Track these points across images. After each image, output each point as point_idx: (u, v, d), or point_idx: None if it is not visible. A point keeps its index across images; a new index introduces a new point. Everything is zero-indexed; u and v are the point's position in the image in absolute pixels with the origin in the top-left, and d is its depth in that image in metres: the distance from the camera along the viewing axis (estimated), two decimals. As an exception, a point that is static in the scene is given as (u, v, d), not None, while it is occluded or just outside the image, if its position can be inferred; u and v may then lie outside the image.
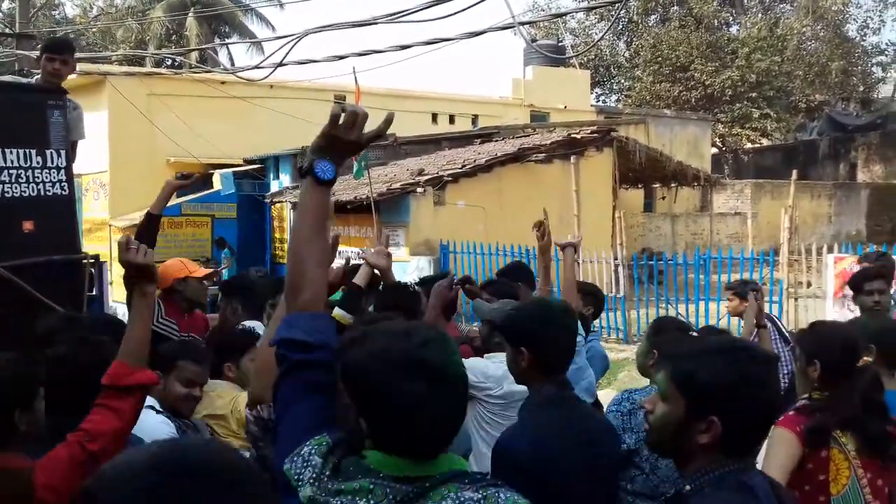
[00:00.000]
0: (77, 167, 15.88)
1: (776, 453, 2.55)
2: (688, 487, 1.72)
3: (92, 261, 4.35)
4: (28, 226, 3.98)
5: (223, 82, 16.80)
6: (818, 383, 2.81)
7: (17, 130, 3.98)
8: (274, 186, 16.74)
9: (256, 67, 9.42)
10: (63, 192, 4.16)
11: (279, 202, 16.11)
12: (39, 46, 4.92)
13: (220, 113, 17.07)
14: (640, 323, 11.09)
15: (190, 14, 26.55)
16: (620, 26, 32.91)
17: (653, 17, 33.34)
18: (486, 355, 3.39)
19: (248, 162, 17.13)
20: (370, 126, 1.86)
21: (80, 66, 16.40)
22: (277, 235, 16.58)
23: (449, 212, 13.06)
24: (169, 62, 28.07)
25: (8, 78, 5.83)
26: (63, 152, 4.16)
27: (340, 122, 1.76)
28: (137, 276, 2.31)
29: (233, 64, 28.17)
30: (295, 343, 1.68)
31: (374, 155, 14.95)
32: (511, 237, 11.58)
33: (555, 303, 2.98)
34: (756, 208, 22.83)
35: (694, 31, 29.39)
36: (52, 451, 2.09)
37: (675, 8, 31.89)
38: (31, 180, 3.99)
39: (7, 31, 11.39)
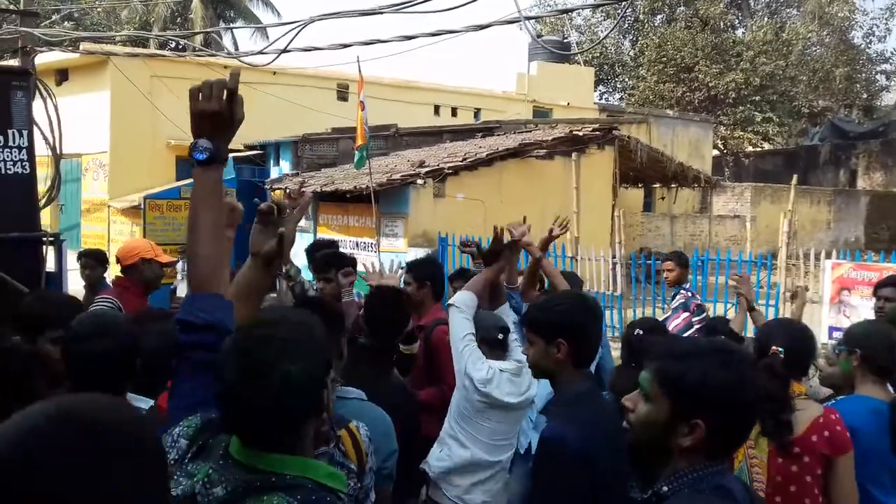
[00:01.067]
0: (77, 146, 15.56)
1: None
2: (665, 489, 1.68)
3: (51, 239, 4.38)
4: None
5: (226, 67, 16.66)
6: None
7: None
8: (274, 173, 16.70)
9: (260, 53, 9.35)
10: (24, 171, 4.20)
11: (278, 188, 16.07)
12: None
13: (222, 97, 17.02)
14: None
15: (195, -3, 26.46)
16: (626, 25, 32.87)
17: (659, 16, 33.29)
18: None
19: (248, 148, 17.08)
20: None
21: (83, 46, 16.36)
22: (276, 222, 16.56)
23: (448, 204, 13.04)
24: (173, 45, 27.92)
25: None
26: (25, 133, 4.20)
27: (200, 96, 1.77)
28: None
29: (237, 49, 28.07)
30: (185, 324, 1.74)
31: (375, 145, 14.91)
32: (510, 232, 11.58)
33: (587, 294, 3.02)
34: (755, 212, 22.84)
35: (700, 33, 29.35)
36: None
37: (682, 8, 31.84)
38: None
39: (11, 7, 11.29)
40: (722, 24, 31.21)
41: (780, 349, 2.85)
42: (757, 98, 28.85)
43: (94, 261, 5.93)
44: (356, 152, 10.89)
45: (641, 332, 3.52)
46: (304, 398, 1.51)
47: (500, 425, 3.35)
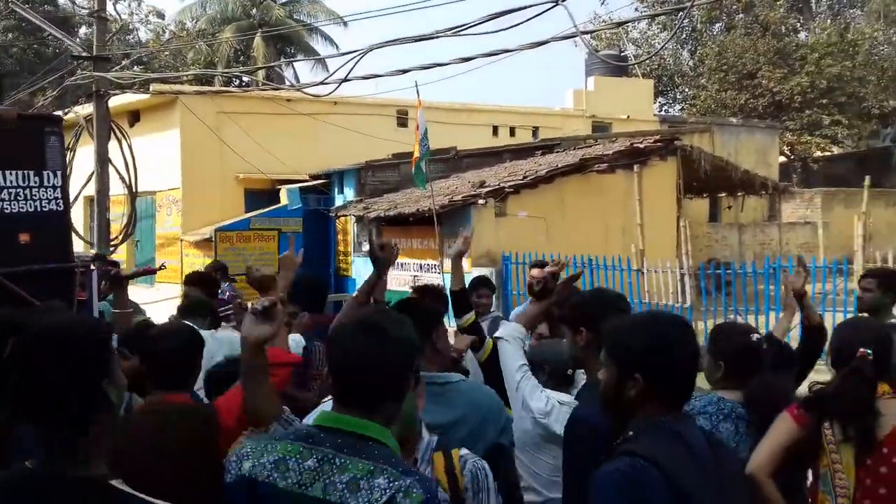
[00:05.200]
0: (151, 184, 16.24)
1: None
2: (630, 433, 2.04)
3: (82, 269, 4.75)
4: (24, 237, 4.42)
5: (289, 100, 17.21)
6: None
7: (17, 154, 4.45)
8: (338, 201, 17.03)
9: (321, 83, 9.62)
10: (58, 208, 4.61)
11: (343, 216, 16.39)
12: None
13: (286, 130, 17.48)
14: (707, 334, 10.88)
15: (257, 35, 27.32)
16: (684, 35, 32.47)
17: (717, 25, 32.78)
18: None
19: (313, 177, 17.48)
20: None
21: (153, 87, 17.05)
22: (341, 248, 16.84)
23: (510, 223, 13.08)
24: (237, 82, 28.89)
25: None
26: (59, 173, 4.61)
27: None
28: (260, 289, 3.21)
29: (298, 81, 28.82)
30: None
31: (435, 168, 15.09)
32: (573, 247, 11.53)
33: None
34: (827, 217, 22.16)
35: (760, 38, 28.79)
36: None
37: (741, 16, 31.30)
38: (28, 198, 4.46)
39: (85, 54, 11.93)
40: (783, 28, 30.54)
41: (869, 351, 2.76)
42: (824, 101, 28.05)
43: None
44: (414, 169, 11.03)
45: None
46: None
47: (559, 461, 3.14)
